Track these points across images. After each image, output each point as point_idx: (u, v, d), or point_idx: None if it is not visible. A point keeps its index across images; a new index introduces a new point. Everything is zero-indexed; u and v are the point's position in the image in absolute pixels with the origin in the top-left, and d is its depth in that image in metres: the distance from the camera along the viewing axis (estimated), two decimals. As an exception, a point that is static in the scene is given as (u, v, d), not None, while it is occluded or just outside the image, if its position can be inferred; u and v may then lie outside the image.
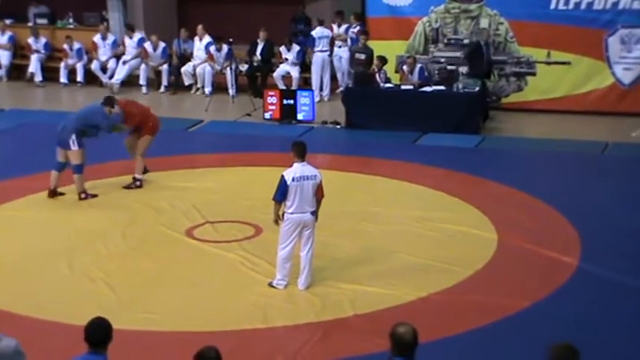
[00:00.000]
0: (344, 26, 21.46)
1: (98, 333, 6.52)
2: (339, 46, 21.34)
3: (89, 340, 6.49)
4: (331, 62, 21.49)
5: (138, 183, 14.88)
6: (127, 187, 14.80)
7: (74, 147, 14.11)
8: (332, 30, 21.61)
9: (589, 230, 12.69)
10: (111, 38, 23.19)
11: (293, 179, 10.56)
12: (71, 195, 14.35)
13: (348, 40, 21.19)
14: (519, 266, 11.74)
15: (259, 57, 21.64)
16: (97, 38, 23.11)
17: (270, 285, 11.00)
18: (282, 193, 10.61)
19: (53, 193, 14.31)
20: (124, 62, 22.77)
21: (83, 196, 14.25)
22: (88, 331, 6.51)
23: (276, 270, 11.01)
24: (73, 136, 14.09)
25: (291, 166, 10.73)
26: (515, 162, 16.59)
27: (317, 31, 21.44)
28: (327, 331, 9.96)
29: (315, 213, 10.81)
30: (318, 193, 10.79)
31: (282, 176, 10.62)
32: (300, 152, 10.74)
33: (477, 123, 18.35)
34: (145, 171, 15.13)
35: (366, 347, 9.44)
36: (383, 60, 19.11)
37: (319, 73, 21.33)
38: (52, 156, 14.33)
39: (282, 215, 10.79)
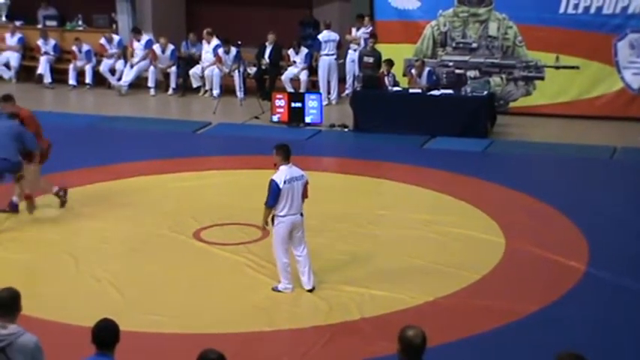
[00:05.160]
0: (362, 29, 21.44)
1: (106, 334, 6.49)
2: (354, 50, 21.33)
3: (97, 342, 6.47)
4: (341, 65, 21.50)
5: (62, 193, 13.99)
6: (62, 204, 13.99)
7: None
8: (350, 33, 21.61)
9: (597, 235, 12.66)
10: (116, 39, 23.26)
11: (284, 182, 10.54)
12: (76, 196, 14.33)
13: (361, 42, 21.14)
14: (527, 271, 11.72)
15: (267, 60, 21.64)
16: (102, 41, 23.17)
17: (276, 290, 10.99)
18: (274, 197, 10.57)
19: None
20: (132, 64, 22.81)
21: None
22: (95, 332, 6.49)
23: (280, 276, 10.98)
24: (20, 158, 13.25)
25: (277, 169, 10.70)
26: (522, 166, 16.56)
27: (323, 35, 21.43)
28: (334, 334, 9.94)
29: (302, 214, 10.84)
30: (305, 193, 10.82)
31: (273, 180, 10.57)
32: (286, 154, 10.72)
33: (484, 127, 18.33)
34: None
35: (374, 350, 9.43)
36: (390, 63, 19.11)
37: (325, 76, 21.34)
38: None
39: (273, 219, 10.77)
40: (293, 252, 10.93)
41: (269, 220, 10.82)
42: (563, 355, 6.02)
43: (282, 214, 10.64)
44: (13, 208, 13.73)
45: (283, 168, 10.65)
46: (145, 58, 22.70)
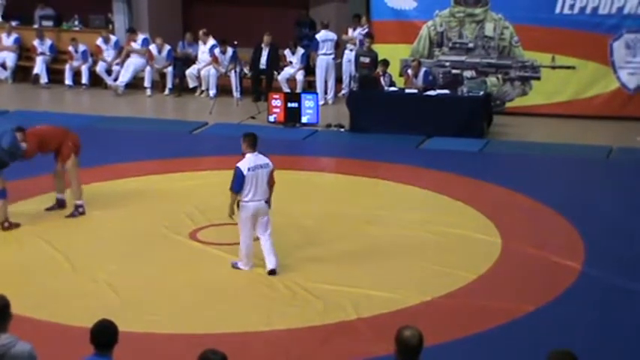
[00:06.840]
0: (359, 29, 21.46)
1: (105, 335, 6.47)
2: (351, 49, 21.33)
3: (95, 343, 6.46)
4: (338, 65, 21.51)
5: (81, 210, 13.66)
6: (71, 215, 13.65)
7: None
8: (347, 33, 21.62)
9: (593, 235, 12.67)
10: (113, 39, 23.25)
11: (249, 169, 11.05)
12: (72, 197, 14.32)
13: (357, 43, 21.14)
14: (523, 270, 11.73)
15: (265, 65, 21.51)
16: (99, 42, 23.16)
17: (235, 266, 11.50)
18: (239, 183, 11.07)
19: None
20: (129, 64, 22.78)
21: (7, 225, 13.02)
22: (94, 333, 6.47)
23: (240, 254, 11.45)
24: None
25: (243, 157, 11.20)
26: (519, 166, 16.57)
27: (321, 35, 21.44)
28: (330, 334, 9.95)
29: (268, 201, 11.26)
30: (270, 180, 11.23)
31: (238, 167, 11.10)
32: (252, 143, 11.25)
33: (481, 127, 18.34)
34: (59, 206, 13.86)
35: (370, 351, 9.43)
36: (386, 63, 19.12)
37: (323, 76, 21.34)
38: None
39: (238, 204, 11.21)
40: (259, 237, 11.35)
41: (235, 206, 11.29)
42: (554, 353, 6.04)
43: (246, 199, 11.14)
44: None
45: (249, 156, 11.19)
46: (141, 56, 22.68)
